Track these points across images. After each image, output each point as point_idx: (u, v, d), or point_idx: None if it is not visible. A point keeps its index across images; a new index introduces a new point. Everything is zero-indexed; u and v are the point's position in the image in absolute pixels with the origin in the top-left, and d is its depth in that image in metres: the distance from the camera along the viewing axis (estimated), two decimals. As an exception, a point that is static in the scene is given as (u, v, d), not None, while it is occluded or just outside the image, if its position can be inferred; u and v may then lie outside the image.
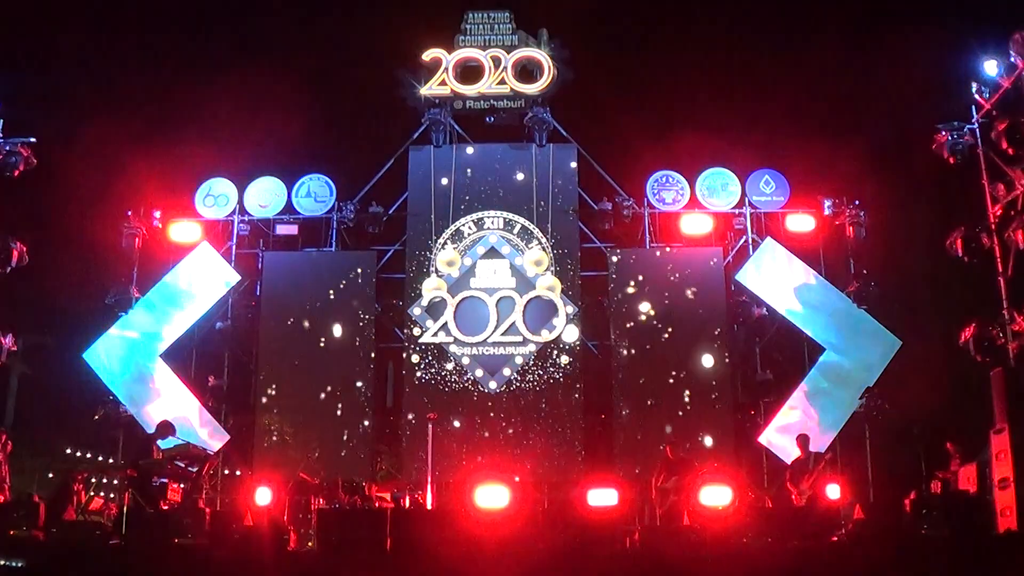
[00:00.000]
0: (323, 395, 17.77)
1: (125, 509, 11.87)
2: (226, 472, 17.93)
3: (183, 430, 15.82)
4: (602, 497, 12.11)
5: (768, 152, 19.00)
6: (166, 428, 13.41)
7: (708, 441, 17.14)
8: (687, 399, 17.56)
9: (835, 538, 11.27)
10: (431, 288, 18.01)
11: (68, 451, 26.90)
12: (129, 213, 18.20)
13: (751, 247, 18.33)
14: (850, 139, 18.64)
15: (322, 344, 18.00)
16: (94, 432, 18.45)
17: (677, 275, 18.21)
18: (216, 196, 18.74)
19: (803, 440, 13.87)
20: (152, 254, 18.47)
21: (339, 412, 17.69)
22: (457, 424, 17.58)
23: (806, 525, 11.32)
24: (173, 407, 17.23)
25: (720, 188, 18.60)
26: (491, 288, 18.24)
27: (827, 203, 18.23)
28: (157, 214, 18.47)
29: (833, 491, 12.30)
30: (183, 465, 13.01)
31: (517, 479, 16.71)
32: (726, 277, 18.28)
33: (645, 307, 18.10)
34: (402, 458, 17.52)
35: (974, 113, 15.34)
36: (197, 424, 17.26)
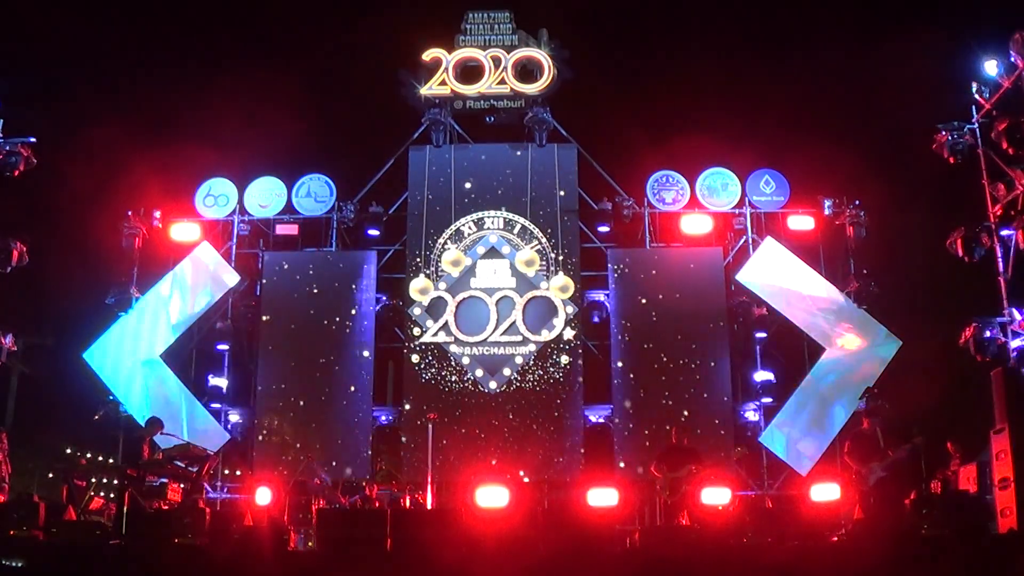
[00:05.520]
0: (323, 395, 17.78)
1: (125, 509, 11.87)
2: (226, 472, 17.93)
3: (183, 430, 15.89)
4: (602, 497, 12.13)
5: (768, 152, 19.04)
6: (154, 424, 13.39)
7: (708, 441, 17.11)
8: (687, 399, 17.56)
9: (835, 538, 11.27)
10: (418, 288, 17.99)
11: (68, 451, 26.90)
12: (129, 213, 18.19)
13: (751, 247, 18.32)
14: (850, 139, 18.67)
15: (322, 344, 18.00)
16: (94, 432, 18.42)
17: (677, 275, 18.21)
18: (216, 196, 18.74)
19: (872, 412, 13.29)
20: (152, 254, 18.47)
21: (339, 412, 17.70)
22: (457, 424, 17.58)
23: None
24: (173, 407, 17.26)
25: (720, 188, 18.60)
26: (491, 288, 18.24)
27: (827, 203, 18.23)
28: (157, 214, 18.46)
29: (833, 491, 12.25)
30: (183, 465, 13.00)
31: (525, 477, 16.78)
32: (726, 277, 18.28)
33: (645, 307, 18.10)
34: (402, 458, 17.52)
35: (974, 113, 15.34)
36: (197, 424, 17.26)
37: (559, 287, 18.03)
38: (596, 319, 18.36)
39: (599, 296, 18.51)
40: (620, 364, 17.92)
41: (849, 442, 12.91)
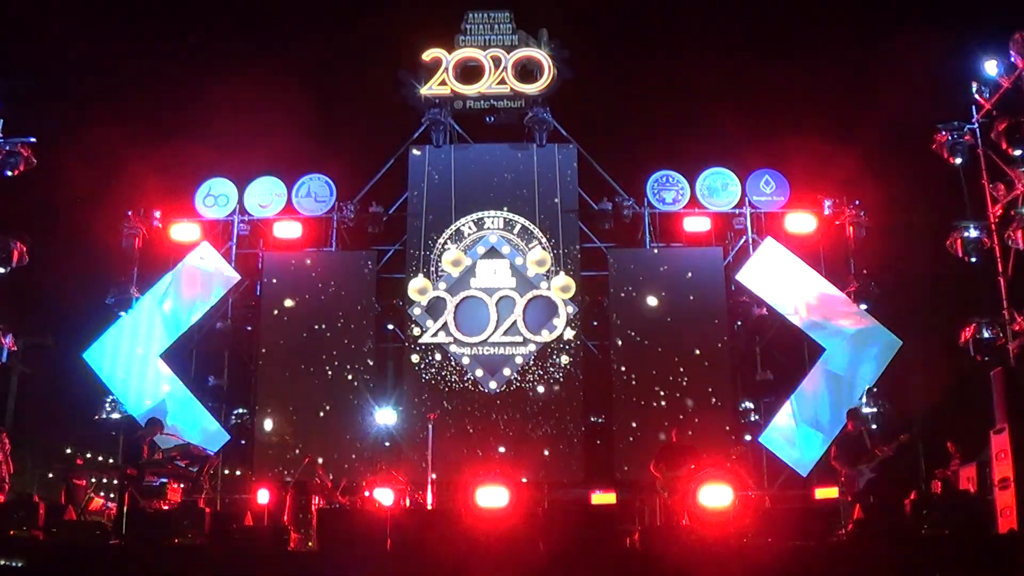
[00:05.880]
0: (323, 395, 17.78)
1: (125, 509, 11.87)
2: (226, 472, 17.93)
3: (183, 430, 15.88)
4: (602, 497, 12.13)
5: (768, 152, 19.01)
6: (155, 424, 13.41)
7: (707, 441, 17.07)
8: (687, 399, 17.56)
9: (835, 538, 11.26)
10: (416, 288, 17.99)
11: (68, 451, 26.88)
12: (129, 213, 18.21)
13: (751, 247, 18.33)
14: (850, 139, 18.62)
15: (322, 344, 18.00)
16: (94, 432, 18.40)
17: (677, 275, 18.22)
18: (216, 196, 18.75)
19: (854, 414, 13.31)
20: (152, 254, 18.48)
21: (339, 412, 17.70)
22: (457, 424, 17.58)
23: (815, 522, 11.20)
24: (173, 407, 17.27)
25: (720, 188, 18.61)
26: (491, 288, 18.25)
27: (827, 203, 18.26)
28: (157, 214, 18.49)
29: (833, 491, 12.24)
30: (183, 465, 13.02)
31: (524, 480, 16.78)
32: (726, 277, 18.29)
33: (645, 307, 18.10)
34: (402, 458, 17.51)
35: (974, 113, 15.33)
36: (197, 424, 17.26)
37: (560, 287, 18.03)
38: (596, 319, 18.35)
39: (599, 296, 18.52)
40: (620, 364, 17.91)
41: (835, 446, 12.92)
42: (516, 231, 18.53)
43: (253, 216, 18.76)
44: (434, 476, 15.06)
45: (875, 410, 16.99)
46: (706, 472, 12.59)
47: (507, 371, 17.95)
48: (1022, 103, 14.25)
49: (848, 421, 13.27)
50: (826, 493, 12.27)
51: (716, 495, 11.48)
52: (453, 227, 18.57)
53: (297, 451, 17.06)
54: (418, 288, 18.02)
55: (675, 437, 13.58)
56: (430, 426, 15.01)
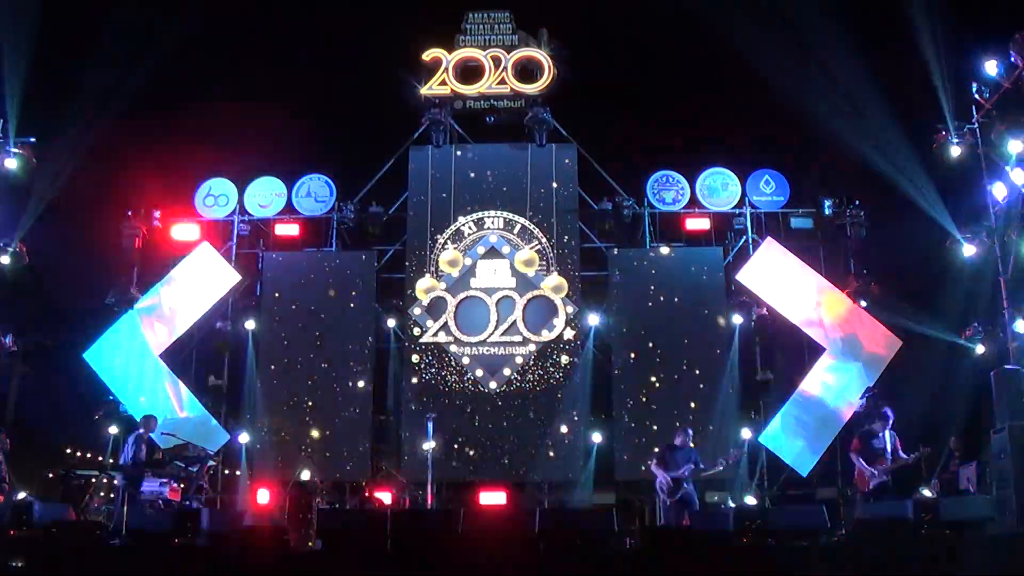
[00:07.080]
0: (323, 395, 17.79)
1: (125, 509, 11.88)
2: (226, 472, 17.93)
3: (183, 430, 15.88)
4: (601, 497, 12.14)
5: (768, 152, 19.00)
6: (149, 420, 13.42)
7: (708, 440, 17.10)
8: (687, 399, 17.56)
9: (835, 538, 11.27)
10: (424, 288, 18.03)
11: (68, 451, 26.87)
12: (129, 213, 18.22)
13: (751, 247, 18.34)
14: (850, 139, 18.61)
15: (322, 344, 18.01)
16: (94, 432, 18.42)
17: (677, 275, 18.22)
18: (216, 196, 18.77)
19: (884, 414, 13.18)
20: (152, 254, 18.48)
21: (339, 412, 17.70)
22: (457, 424, 17.58)
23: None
24: (173, 407, 17.27)
25: (720, 188, 18.62)
26: (491, 288, 18.26)
27: (827, 203, 18.26)
28: (157, 214, 18.49)
29: (832, 491, 12.26)
30: (183, 465, 13.03)
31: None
32: (726, 277, 18.29)
33: (645, 307, 18.10)
34: (402, 458, 17.51)
35: (974, 113, 15.33)
36: (197, 424, 17.25)
37: (552, 287, 18.06)
38: (595, 319, 18.35)
39: (599, 296, 18.53)
40: (620, 363, 17.91)
41: (858, 440, 12.91)
42: (516, 231, 18.53)
43: (253, 216, 18.77)
44: (434, 476, 15.08)
45: (872, 410, 16.96)
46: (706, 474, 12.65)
47: (507, 371, 17.95)
48: (1022, 103, 14.24)
49: (876, 420, 13.22)
50: (824, 493, 12.27)
51: (714, 496, 11.51)
52: (453, 227, 18.58)
53: (297, 448, 17.07)
54: (425, 288, 18.06)
55: (677, 438, 13.60)
56: (430, 426, 15.01)
